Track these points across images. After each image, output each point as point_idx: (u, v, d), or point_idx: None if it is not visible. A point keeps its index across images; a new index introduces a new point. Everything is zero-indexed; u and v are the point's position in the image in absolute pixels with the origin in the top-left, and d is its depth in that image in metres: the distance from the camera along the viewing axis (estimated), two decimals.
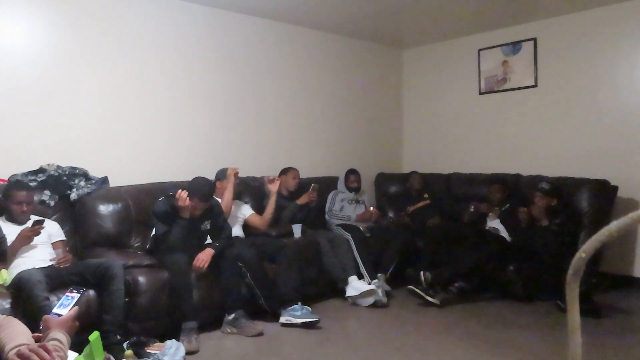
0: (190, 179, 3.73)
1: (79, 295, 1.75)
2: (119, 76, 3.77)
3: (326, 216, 4.54)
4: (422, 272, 3.75)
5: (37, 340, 1.45)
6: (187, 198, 3.11)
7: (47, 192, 3.26)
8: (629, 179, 4.10)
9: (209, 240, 3.40)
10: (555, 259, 3.56)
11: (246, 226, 3.93)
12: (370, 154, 5.54)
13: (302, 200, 4.23)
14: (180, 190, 3.12)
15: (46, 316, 1.50)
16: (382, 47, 5.66)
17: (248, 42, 4.51)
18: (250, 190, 4.20)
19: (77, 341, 1.57)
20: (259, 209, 4.04)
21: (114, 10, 3.74)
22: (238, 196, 4.07)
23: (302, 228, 4.03)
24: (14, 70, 3.34)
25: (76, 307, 1.62)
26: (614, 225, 0.85)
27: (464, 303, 3.71)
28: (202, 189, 3.20)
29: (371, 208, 4.56)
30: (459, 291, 3.78)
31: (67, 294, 1.76)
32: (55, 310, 1.64)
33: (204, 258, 3.15)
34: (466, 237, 4.02)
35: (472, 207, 4.26)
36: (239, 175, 3.79)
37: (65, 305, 1.67)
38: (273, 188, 3.99)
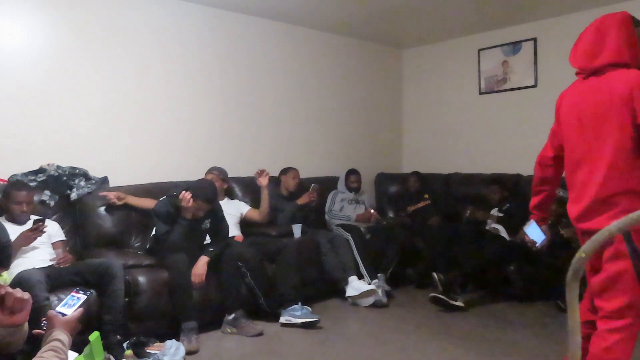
0: (189, 178, 3.75)
1: (85, 297, 1.73)
2: (118, 76, 3.78)
3: (326, 216, 4.54)
4: (434, 274, 3.70)
5: (39, 336, 1.46)
6: (191, 199, 3.11)
7: (47, 192, 3.26)
8: None
9: (208, 240, 3.40)
10: (553, 257, 3.56)
11: (245, 226, 3.93)
12: (370, 154, 5.54)
13: (302, 200, 4.23)
14: (184, 191, 3.13)
15: (51, 313, 1.50)
16: (382, 47, 5.66)
17: (248, 42, 4.51)
18: (250, 190, 4.19)
19: (77, 341, 1.57)
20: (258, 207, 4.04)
21: (114, 10, 3.74)
22: (231, 194, 4.08)
23: (302, 228, 4.03)
24: (14, 70, 3.34)
25: (81, 309, 1.61)
26: (614, 225, 0.86)
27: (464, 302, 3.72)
28: (206, 191, 3.19)
29: (372, 210, 4.56)
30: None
31: (73, 294, 1.74)
32: (59, 308, 1.63)
33: (199, 273, 3.12)
34: (466, 237, 4.03)
35: (469, 211, 4.28)
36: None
37: (70, 305, 1.66)
38: (263, 182, 3.97)
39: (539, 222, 2.18)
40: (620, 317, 1.75)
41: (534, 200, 2.20)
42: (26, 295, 1.36)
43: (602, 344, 1.76)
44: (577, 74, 1.96)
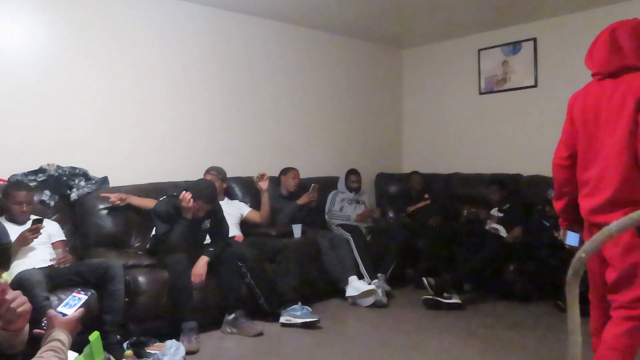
0: (189, 178, 3.75)
1: (86, 297, 1.73)
2: (118, 76, 3.78)
3: (326, 216, 4.54)
4: (424, 279, 3.73)
5: (39, 336, 1.46)
6: (191, 199, 3.11)
7: (47, 192, 3.26)
8: None
9: (208, 240, 3.40)
10: (550, 253, 3.57)
11: (245, 226, 3.93)
12: (370, 154, 5.54)
13: (302, 200, 4.24)
14: (184, 192, 3.13)
15: (52, 313, 1.50)
16: (382, 47, 5.66)
17: (248, 42, 4.51)
18: (250, 190, 4.19)
19: (77, 341, 1.57)
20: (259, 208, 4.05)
21: (114, 10, 3.74)
22: (231, 195, 4.08)
23: (302, 228, 4.03)
24: (14, 70, 3.34)
25: (82, 309, 1.62)
26: (614, 225, 0.85)
27: (463, 303, 3.72)
28: (206, 191, 3.19)
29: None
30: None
31: (74, 294, 1.74)
32: (60, 308, 1.63)
33: (199, 272, 3.12)
34: (466, 237, 4.03)
35: (465, 212, 4.31)
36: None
37: (71, 305, 1.66)
38: (263, 186, 3.99)
39: (570, 227, 2.17)
40: (636, 307, 1.79)
41: (558, 204, 2.20)
42: (21, 308, 1.34)
43: (616, 330, 1.82)
44: (593, 75, 2.02)
